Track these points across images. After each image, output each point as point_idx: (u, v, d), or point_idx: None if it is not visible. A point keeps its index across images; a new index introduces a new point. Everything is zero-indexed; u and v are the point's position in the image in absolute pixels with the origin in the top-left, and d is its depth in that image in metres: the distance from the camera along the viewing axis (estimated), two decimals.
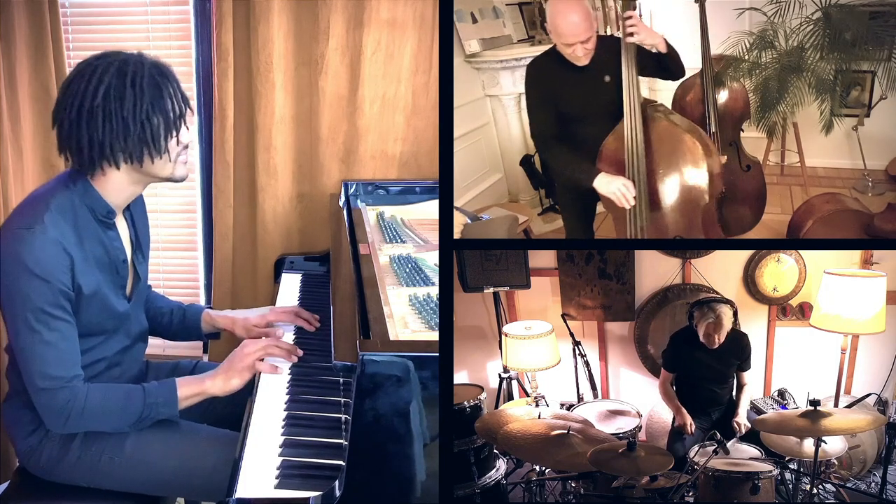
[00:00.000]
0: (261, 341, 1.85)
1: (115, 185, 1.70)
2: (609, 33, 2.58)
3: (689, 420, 2.13)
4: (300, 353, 1.86)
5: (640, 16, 2.59)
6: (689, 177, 1.94)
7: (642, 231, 1.97)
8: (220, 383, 1.76)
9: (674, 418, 2.19)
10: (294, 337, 2.05)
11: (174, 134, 1.68)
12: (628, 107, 1.93)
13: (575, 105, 2.03)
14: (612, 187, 1.93)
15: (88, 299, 1.67)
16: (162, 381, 1.74)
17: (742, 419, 2.17)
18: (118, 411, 1.68)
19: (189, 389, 1.74)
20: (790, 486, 1.98)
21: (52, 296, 1.59)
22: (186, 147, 1.74)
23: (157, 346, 2.12)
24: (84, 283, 1.65)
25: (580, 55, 1.94)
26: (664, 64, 2.00)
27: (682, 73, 2.06)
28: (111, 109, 1.60)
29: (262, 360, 1.81)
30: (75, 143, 1.64)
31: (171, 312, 2.07)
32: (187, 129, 1.72)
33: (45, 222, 1.60)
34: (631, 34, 1.91)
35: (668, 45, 1.97)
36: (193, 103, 1.75)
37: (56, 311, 1.60)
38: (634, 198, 1.92)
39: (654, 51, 1.95)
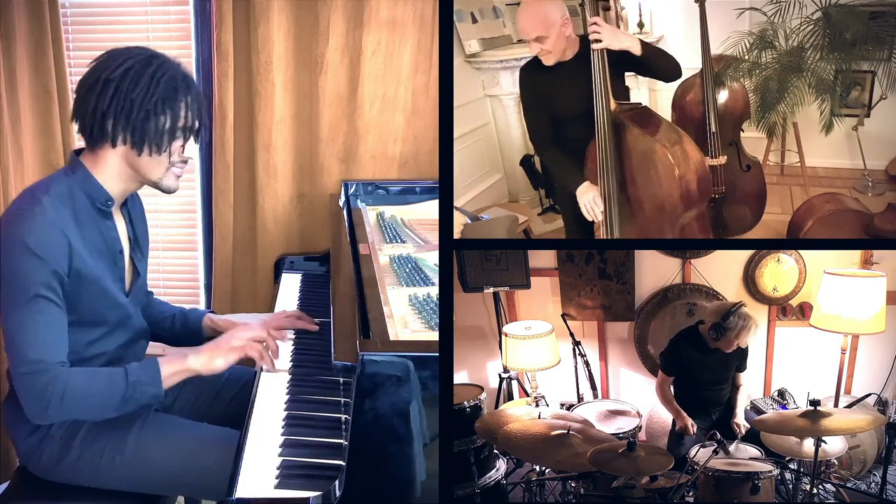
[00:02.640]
0: (253, 331, 1.83)
1: (111, 173, 1.71)
2: None
3: (689, 421, 2.13)
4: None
5: (641, 16, 2.61)
6: (660, 188, 1.91)
7: (613, 236, 1.98)
8: (203, 359, 1.72)
9: (674, 421, 2.19)
10: (294, 337, 2.05)
11: (178, 139, 1.71)
12: (598, 115, 1.91)
13: (564, 107, 2.03)
14: (585, 199, 1.96)
15: (88, 284, 1.67)
16: (144, 361, 1.70)
17: (741, 420, 2.17)
18: (100, 394, 1.62)
19: (172, 367, 1.69)
20: (790, 486, 1.98)
21: (46, 276, 1.58)
22: (185, 162, 1.77)
23: (157, 346, 2.11)
24: (83, 268, 1.65)
25: (535, 52, 1.97)
26: (646, 66, 1.98)
27: (675, 74, 2.02)
28: (124, 87, 1.64)
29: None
30: (82, 108, 1.68)
31: (173, 317, 2.07)
32: (194, 140, 1.74)
33: (43, 204, 1.61)
34: (596, 40, 1.87)
35: (647, 47, 1.94)
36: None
37: (48, 293, 1.59)
38: (602, 212, 1.93)
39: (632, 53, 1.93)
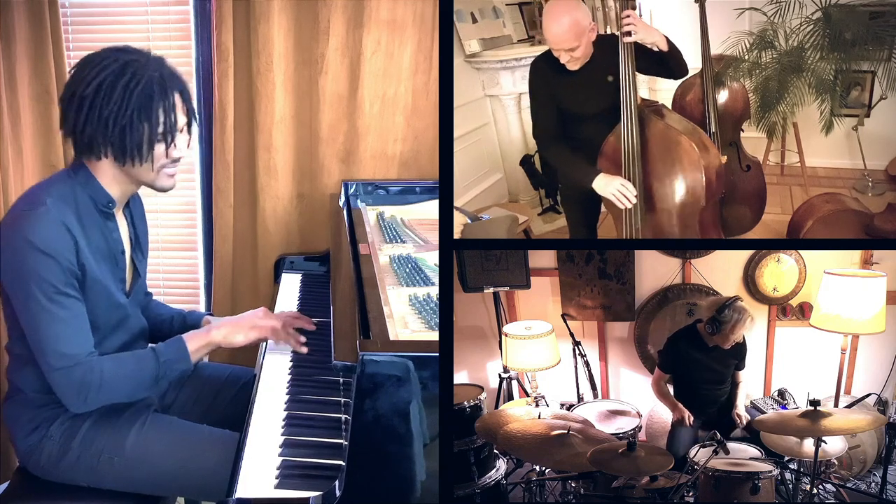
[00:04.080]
0: (278, 318, 1.93)
1: (109, 177, 1.72)
2: (611, 33, 2.59)
3: (686, 412, 2.14)
4: (311, 327, 1.95)
5: (640, 15, 2.61)
6: (685, 180, 1.93)
7: (637, 232, 1.97)
8: (224, 332, 1.83)
9: (674, 421, 2.19)
10: None
11: (160, 144, 1.69)
12: (625, 107, 1.91)
13: (575, 104, 2.03)
14: (612, 188, 1.92)
15: (92, 284, 1.68)
16: (169, 340, 1.79)
17: (741, 411, 2.17)
18: (134, 376, 1.69)
19: (197, 342, 1.78)
20: (790, 486, 1.98)
21: (61, 273, 1.60)
22: (176, 161, 1.76)
23: None
24: (88, 268, 1.66)
25: (565, 61, 1.95)
26: (665, 62, 1.98)
27: (685, 71, 2.04)
28: (97, 104, 1.63)
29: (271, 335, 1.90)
30: (64, 121, 1.69)
31: (172, 319, 2.07)
32: (175, 144, 1.72)
33: (48, 205, 1.62)
34: (629, 33, 1.89)
35: (670, 43, 1.95)
36: (193, 104, 1.78)
37: (67, 288, 1.61)
38: (636, 196, 1.92)
39: (655, 49, 1.94)
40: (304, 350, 1.90)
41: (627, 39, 1.90)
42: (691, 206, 1.94)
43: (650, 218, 1.99)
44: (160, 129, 1.68)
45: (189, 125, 1.76)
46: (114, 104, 1.63)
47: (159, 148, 1.70)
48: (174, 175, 1.78)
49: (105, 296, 1.73)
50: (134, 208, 1.88)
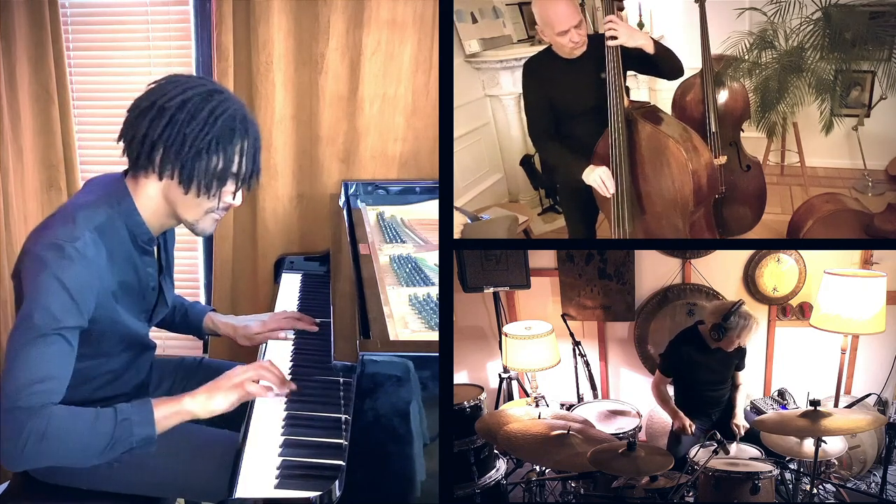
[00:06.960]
0: (251, 366, 1.70)
1: (149, 206, 1.64)
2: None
3: (687, 421, 2.14)
4: (293, 387, 1.73)
5: (640, 15, 2.61)
6: (672, 183, 1.93)
7: (625, 234, 1.99)
8: (201, 401, 1.60)
9: (673, 423, 2.19)
10: (295, 337, 2.05)
11: (228, 184, 1.62)
12: (612, 110, 1.93)
13: (570, 102, 2.04)
14: (593, 176, 1.95)
15: (108, 323, 1.62)
16: (137, 401, 1.57)
17: (740, 421, 2.17)
18: (85, 434, 1.47)
19: (167, 408, 1.56)
20: (790, 486, 1.98)
21: (70, 318, 1.49)
22: (225, 209, 1.68)
23: (159, 347, 2.10)
24: (107, 307, 1.59)
25: (576, 40, 1.95)
26: (655, 65, 2.00)
27: (679, 73, 2.05)
28: (179, 119, 1.55)
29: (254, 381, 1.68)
30: (131, 131, 1.59)
31: (174, 309, 2.05)
32: (247, 189, 1.65)
33: (85, 240, 1.53)
34: (612, 37, 1.90)
35: (658, 46, 1.96)
36: (261, 160, 1.71)
37: (66, 332, 1.50)
38: (616, 186, 1.92)
39: (645, 51, 1.95)
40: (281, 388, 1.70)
41: (611, 43, 1.91)
42: (680, 208, 1.95)
43: (641, 221, 1.99)
44: (233, 168, 1.60)
45: (250, 177, 1.65)
46: (196, 124, 1.54)
47: (226, 187, 1.62)
48: (219, 220, 1.69)
49: (124, 332, 1.68)
50: (168, 233, 1.83)
